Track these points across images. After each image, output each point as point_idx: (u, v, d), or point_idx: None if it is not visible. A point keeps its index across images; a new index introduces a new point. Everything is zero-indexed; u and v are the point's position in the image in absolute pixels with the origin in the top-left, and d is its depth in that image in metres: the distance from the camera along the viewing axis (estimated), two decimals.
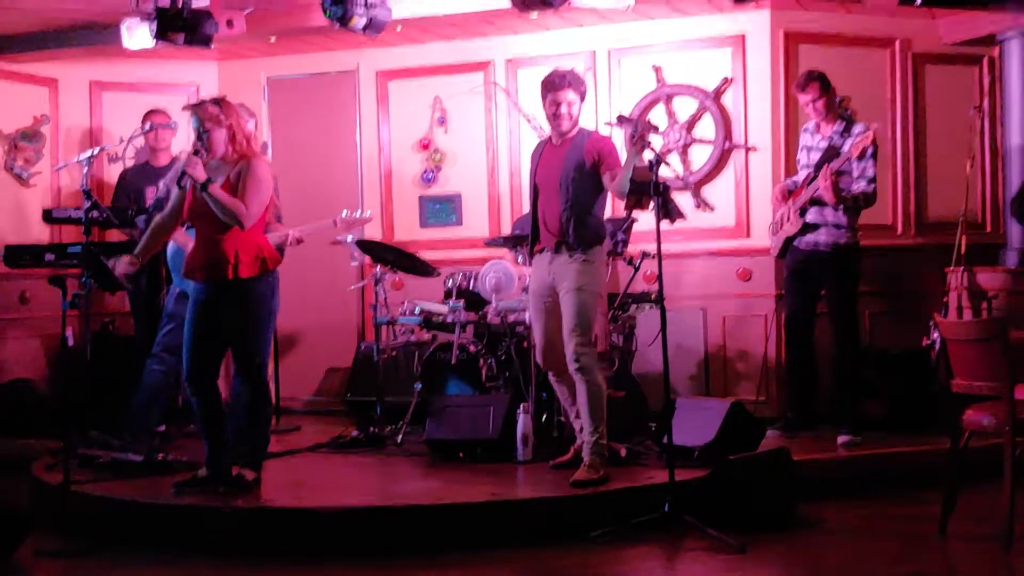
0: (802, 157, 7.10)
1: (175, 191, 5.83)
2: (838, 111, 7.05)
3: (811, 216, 6.88)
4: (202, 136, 5.69)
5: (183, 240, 6.48)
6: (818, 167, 6.81)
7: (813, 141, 7.01)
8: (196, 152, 5.65)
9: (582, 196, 5.91)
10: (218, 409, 5.86)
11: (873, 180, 6.77)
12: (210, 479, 5.77)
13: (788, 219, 7.01)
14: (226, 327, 5.75)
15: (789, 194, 7.06)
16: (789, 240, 7.02)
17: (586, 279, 5.89)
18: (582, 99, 6.02)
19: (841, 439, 6.67)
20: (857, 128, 6.81)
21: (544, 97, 6.03)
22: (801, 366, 7.09)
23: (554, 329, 6.01)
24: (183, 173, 5.62)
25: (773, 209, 7.20)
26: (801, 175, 7.04)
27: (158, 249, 6.10)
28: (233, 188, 5.66)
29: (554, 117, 6.00)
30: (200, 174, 5.58)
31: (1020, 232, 7.62)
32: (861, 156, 6.71)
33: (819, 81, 6.86)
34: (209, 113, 5.70)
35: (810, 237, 6.92)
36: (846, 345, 6.89)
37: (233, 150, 5.73)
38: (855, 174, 6.79)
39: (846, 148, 6.75)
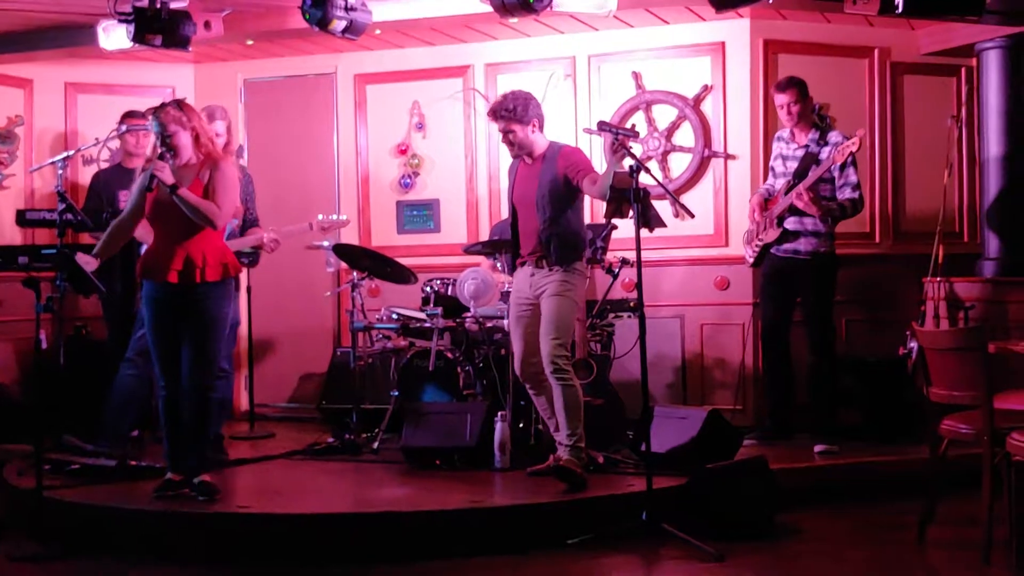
0: (777, 165, 7.10)
1: (136, 194, 5.78)
2: (813, 119, 7.07)
3: (790, 224, 6.89)
4: (166, 140, 5.64)
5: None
6: (797, 175, 6.82)
7: (789, 149, 7.01)
8: (162, 156, 5.60)
9: (559, 213, 5.97)
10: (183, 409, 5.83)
11: (858, 186, 6.81)
12: (184, 483, 5.73)
13: (765, 228, 7.01)
14: (186, 329, 5.69)
15: (766, 203, 7.07)
16: (766, 248, 7.02)
17: (566, 287, 5.96)
18: (528, 124, 6.00)
19: (818, 448, 6.67)
20: (833, 136, 6.83)
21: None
22: (778, 374, 7.09)
23: (532, 339, 6.04)
24: (152, 177, 5.56)
25: (751, 218, 7.19)
26: (777, 183, 7.04)
27: (116, 250, 6.02)
28: (204, 189, 5.64)
29: (504, 144, 6.13)
30: (169, 178, 5.54)
31: (997, 242, 7.64)
32: (843, 164, 6.72)
33: (798, 87, 6.88)
34: (172, 116, 5.67)
35: (788, 245, 6.92)
36: (822, 353, 6.92)
37: (198, 151, 5.70)
38: (838, 182, 6.81)
39: (823, 156, 6.77)
